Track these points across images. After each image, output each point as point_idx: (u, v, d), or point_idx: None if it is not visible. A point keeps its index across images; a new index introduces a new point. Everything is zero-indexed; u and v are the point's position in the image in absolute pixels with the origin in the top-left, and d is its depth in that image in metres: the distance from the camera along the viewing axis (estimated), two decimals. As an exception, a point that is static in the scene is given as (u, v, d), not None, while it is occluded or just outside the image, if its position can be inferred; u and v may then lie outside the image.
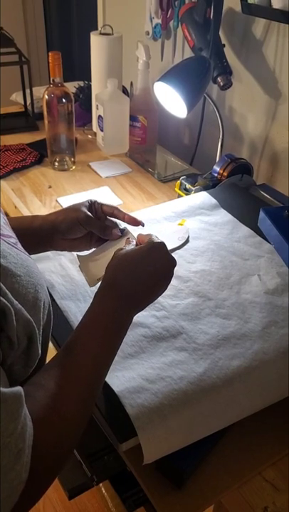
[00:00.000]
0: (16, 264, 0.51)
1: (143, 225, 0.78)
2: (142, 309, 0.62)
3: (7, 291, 0.46)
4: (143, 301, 0.62)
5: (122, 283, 0.60)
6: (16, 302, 0.47)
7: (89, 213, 0.75)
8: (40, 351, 0.53)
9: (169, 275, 0.63)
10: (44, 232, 0.75)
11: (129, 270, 0.60)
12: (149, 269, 0.61)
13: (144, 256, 0.61)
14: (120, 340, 0.59)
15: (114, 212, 0.78)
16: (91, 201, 0.78)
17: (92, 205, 0.77)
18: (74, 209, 0.76)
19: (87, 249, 0.79)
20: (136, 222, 0.77)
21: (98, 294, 0.60)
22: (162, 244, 0.63)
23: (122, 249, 0.64)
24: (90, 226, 0.75)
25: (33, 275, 0.53)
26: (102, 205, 0.78)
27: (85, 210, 0.75)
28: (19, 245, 0.57)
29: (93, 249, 0.79)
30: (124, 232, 0.78)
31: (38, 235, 0.75)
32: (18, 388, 0.44)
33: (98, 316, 0.58)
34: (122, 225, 0.79)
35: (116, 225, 0.78)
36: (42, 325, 0.54)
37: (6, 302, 0.45)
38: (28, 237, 0.72)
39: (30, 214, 1.19)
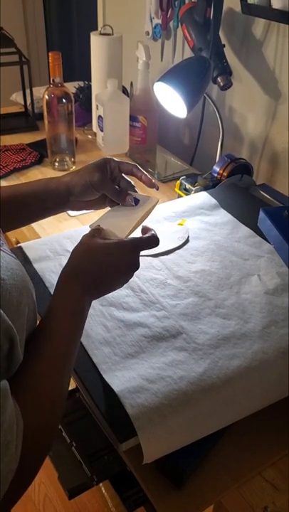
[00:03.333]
0: (0, 268, 0.50)
1: (157, 189, 0.79)
2: (95, 299, 0.64)
3: None
4: (99, 291, 0.64)
5: (85, 270, 0.62)
6: None
7: (102, 176, 0.75)
8: (21, 356, 0.52)
9: (128, 275, 0.65)
10: (60, 195, 0.76)
11: (94, 260, 0.62)
12: (112, 263, 0.62)
13: (111, 250, 0.63)
14: (82, 324, 0.61)
15: (133, 170, 0.78)
16: (106, 159, 0.77)
17: (108, 164, 0.77)
18: (88, 171, 0.76)
19: (103, 208, 0.80)
20: (151, 184, 0.78)
21: (61, 278, 0.62)
22: (132, 244, 0.64)
23: (93, 235, 0.65)
24: (104, 189, 0.76)
25: (18, 278, 0.53)
26: (119, 163, 0.77)
27: (98, 172, 0.75)
28: (4, 247, 0.57)
29: (108, 208, 0.79)
30: (138, 202, 0.76)
31: (54, 197, 0.76)
32: (3, 382, 0.45)
33: (62, 300, 0.60)
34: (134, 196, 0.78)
35: (131, 186, 0.78)
36: (26, 329, 0.54)
37: None
38: (43, 201, 0.75)
39: (30, 214, 1.19)
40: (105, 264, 0.62)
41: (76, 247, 0.64)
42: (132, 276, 0.65)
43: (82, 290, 0.61)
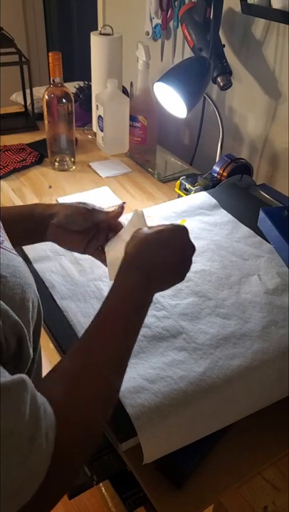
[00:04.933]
0: (1, 265, 0.51)
1: (124, 203, 0.77)
2: (162, 290, 0.63)
3: None
4: (163, 280, 0.62)
5: (144, 261, 0.60)
6: (1, 302, 0.47)
7: (95, 208, 0.75)
8: (31, 352, 0.52)
9: (188, 259, 0.63)
10: (43, 217, 0.74)
11: (151, 249, 0.60)
12: (169, 250, 0.61)
13: (165, 237, 0.61)
14: (142, 317, 0.59)
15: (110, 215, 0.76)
16: (98, 207, 0.77)
17: (99, 210, 0.76)
18: (78, 204, 0.75)
19: (80, 251, 0.77)
20: (119, 209, 0.77)
21: (119, 274, 0.60)
22: (184, 229, 0.63)
23: (140, 229, 0.63)
24: (93, 218, 0.74)
25: (20, 275, 0.53)
26: (107, 212, 0.76)
27: (89, 206, 0.75)
28: (5, 244, 0.56)
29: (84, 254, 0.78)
30: (134, 215, 0.75)
31: (37, 221, 0.74)
32: (19, 375, 0.44)
33: (121, 293, 0.58)
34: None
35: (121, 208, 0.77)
36: (32, 326, 0.54)
37: None
38: (27, 224, 0.73)
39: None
40: (162, 249, 0.61)
41: (127, 244, 0.62)
42: (191, 261, 0.63)
43: (141, 279, 0.59)
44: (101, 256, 0.77)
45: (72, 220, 0.74)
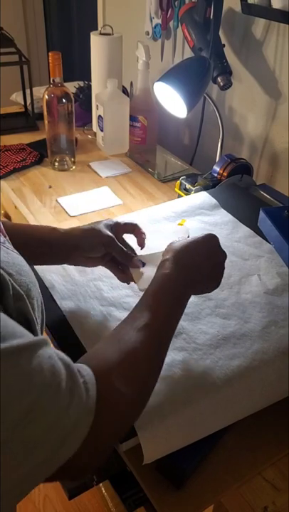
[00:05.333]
0: (7, 263, 0.51)
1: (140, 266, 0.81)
2: (200, 292, 0.69)
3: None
4: (201, 283, 0.67)
5: (182, 269, 0.65)
6: (19, 289, 0.49)
7: (112, 235, 0.77)
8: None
9: (220, 263, 0.68)
10: (64, 247, 0.77)
11: (189, 255, 0.66)
12: (204, 255, 0.67)
13: (200, 244, 0.68)
14: (179, 316, 0.64)
15: (135, 228, 0.81)
16: (114, 222, 0.80)
17: (115, 227, 0.79)
18: (97, 230, 0.77)
19: (101, 265, 0.81)
20: (141, 245, 0.82)
21: (160, 268, 0.65)
22: (215, 236, 0.70)
23: (174, 242, 0.70)
24: (112, 249, 0.77)
25: (25, 273, 0.53)
26: (124, 224, 0.80)
27: (108, 232, 0.77)
28: (8, 244, 0.57)
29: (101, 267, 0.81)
30: (144, 264, 0.79)
31: (57, 248, 0.77)
32: (42, 336, 0.46)
33: (161, 284, 0.63)
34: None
35: (134, 253, 0.81)
36: (38, 324, 0.55)
37: (2, 273, 0.47)
38: (44, 248, 0.76)
39: (30, 214, 1.19)
40: (197, 255, 0.67)
41: (164, 254, 0.68)
42: (223, 267, 0.69)
43: (181, 286, 0.64)
44: (114, 268, 0.81)
45: (95, 249, 0.77)
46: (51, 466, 0.43)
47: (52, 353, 0.44)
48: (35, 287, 0.55)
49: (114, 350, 0.54)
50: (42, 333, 0.59)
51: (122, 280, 0.80)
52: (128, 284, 0.81)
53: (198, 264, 0.66)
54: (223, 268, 0.69)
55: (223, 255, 0.69)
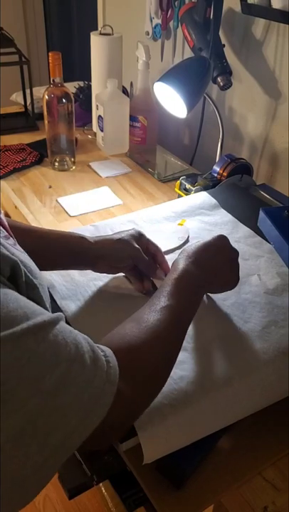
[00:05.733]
0: (19, 260, 0.52)
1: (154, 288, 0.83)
2: (219, 286, 0.75)
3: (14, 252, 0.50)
4: (218, 277, 0.72)
5: (199, 269, 0.68)
6: (36, 282, 0.52)
7: (139, 248, 0.79)
8: None
9: (234, 260, 0.73)
10: (90, 257, 0.78)
11: (201, 258, 0.70)
12: (218, 255, 0.71)
13: (212, 245, 0.72)
14: (196, 308, 0.67)
15: (158, 255, 0.82)
16: (140, 234, 0.81)
17: (141, 239, 0.81)
18: (126, 241, 0.78)
19: (119, 273, 0.83)
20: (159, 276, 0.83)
21: (177, 264, 0.69)
22: (224, 236, 0.74)
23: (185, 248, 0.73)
24: (139, 262, 0.79)
25: (35, 275, 0.54)
26: (148, 241, 0.82)
27: (135, 244, 0.79)
28: (18, 246, 0.58)
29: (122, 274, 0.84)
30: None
31: (83, 257, 0.79)
32: (58, 313, 0.48)
33: (181, 289, 0.65)
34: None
35: (159, 250, 0.83)
36: None
37: (15, 258, 0.48)
38: (68, 256, 0.78)
39: (30, 214, 1.19)
40: (213, 253, 0.71)
41: (178, 258, 0.71)
42: (237, 263, 0.74)
43: (197, 286, 0.68)
44: (134, 277, 0.82)
45: (123, 260, 0.79)
46: (80, 434, 0.45)
47: (71, 328, 0.47)
48: (44, 289, 0.56)
49: (134, 329, 0.56)
50: None
51: (139, 290, 0.81)
52: (143, 293, 0.81)
53: (214, 265, 0.70)
54: (238, 264, 0.74)
55: (235, 253, 0.73)
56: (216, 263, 0.70)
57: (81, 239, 0.78)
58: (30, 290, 0.51)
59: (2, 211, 0.65)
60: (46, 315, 0.45)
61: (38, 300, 0.52)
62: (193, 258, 0.69)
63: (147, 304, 0.62)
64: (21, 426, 0.40)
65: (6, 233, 0.57)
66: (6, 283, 0.46)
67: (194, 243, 0.73)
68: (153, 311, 0.60)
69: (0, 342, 0.39)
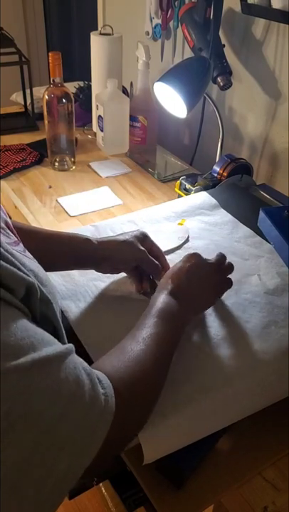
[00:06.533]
0: (32, 271, 0.51)
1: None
2: (201, 308, 0.74)
3: (31, 272, 0.49)
4: (197, 300, 0.72)
5: (180, 291, 0.69)
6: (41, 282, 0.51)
7: (144, 250, 0.79)
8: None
9: (210, 275, 0.73)
10: (94, 259, 0.79)
11: (181, 281, 0.70)
12: (194, 275, 0.71)
13: (183, 271, 0.72)
14: (180, 336, 0.66)
15: (160, 256, 0.82)
16: (144, 236, 0.81)
17: (145, 240, 0.81)
18: (130, 243, 0.78)
19: (121, 272, 0.83)
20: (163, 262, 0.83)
21: (157, 305, 0.67)
22: (195, 254, 0.74)
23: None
24: (145, 264, 0.79)
25: (46, 283, 0.54)
26: (152, 243, 0.82)
27: (140, 246, 0.79)
28: (27, 253, 0.57)
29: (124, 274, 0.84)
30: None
31: (86, 259, 0.79)
32: (69, 345, 0.47)
33: (164, 313, 0.64)
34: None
35: (162, 253, 0.84)
36: (63, 330, 0.56)
37: (31, 280, 0.47)
38: (71, 258, 0.78)
39: (30, 214, 1.19)
40: (189, 276, 0.71)
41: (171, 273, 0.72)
42: (216, 276, 0.74)
43: (181, 306, 0.67)
44: (136, 278, 0.82)
45: (127, 262, 0.79)
46: (75, 473, 0.44)
47: (77, 362, 0.46)
48: (54, 298, 0.55)
49: (122, 362, 0.55)
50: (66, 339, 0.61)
51: (139, 291, 0.81)
52: (141, 293, 0.81)
53: (191, 292, 0.70)
54: (215, 276, 0.74)
55: (211, 266, 0.73)
56: (192, 289, 0.70)
57: (86, 241, 0.78)
58: (44, 306, 0.51)
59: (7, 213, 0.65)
60: (53, 348, 0.44)
61: (51, 315, 0.52)
62: (171, 290, 0.68)
63: (134, 335, 0.61)
64: (17, 463, 0.39)
65: (16, 239, 0.57)
66: (18, 305, 0.45)
67: (169, 272, 0.72)
68: (137, 341, 0.59)
69: (6, 373, 0.38)
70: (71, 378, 0.44)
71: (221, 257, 0.77)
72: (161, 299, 0.67)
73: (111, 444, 0.47)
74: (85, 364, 0.48)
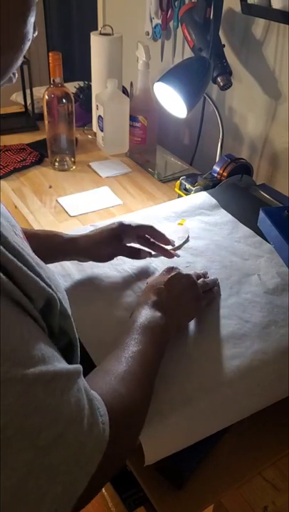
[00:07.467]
0: (49, 280, 0.50)
1: (173, 245, 0.87)
2: (182, 322, 0.73)
3: (52, 283, 0.48)
4: (180, 312, 0.72)
5: (162, 303, 0.69)
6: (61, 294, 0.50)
7: (118, 245, 0.83)
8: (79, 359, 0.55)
9: (190, 287, 0.74)
10: (71, 253, 0.83)
11: (162, 293, 0.71)
12: (174, 286, 0.72)
13: (164, 279, 0.73)
14: (164, 351, 0.66)
15: (150, 231, 0.85)
16: (123, 227, 0.83)
17: (124, 232, 0.83)
18: (104, 241, 0.82)
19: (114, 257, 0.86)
20: (167, 244, 0.87)
21: (139, 307, 0.69)
22: (171, 268, 0.75)
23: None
24: (120, 254, 0.83)
25: (59, 288, 0.53)
26: (136, 229, 0.83)
27: (115, 242, 0.82)
28: (34, 254, 0.57)
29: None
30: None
31: (58, 250, 0.82)
32: (77, 365, 0.46)
33: (147, 330, 0.64)
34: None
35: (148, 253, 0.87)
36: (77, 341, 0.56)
37: (52, 292, 0.46)
38: (55, 251, 0.81)
39: (30, 214, 1.19)
40: (175, 290, 0.72)
41: (139, 301, 0.72)
42: (196, 292, 0.74)
43: (163, 321, 0.67)
44: (128, 255, 0.85)
45: (104, 259, 0.84)
46: (70, 498, 0.43)
47: (80, 385, 0.45)
48: (64, 299, 0.54)
49: (110, 385, 0.55)
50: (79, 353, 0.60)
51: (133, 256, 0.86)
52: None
53: (173, 307, 0.70)
54: (195, 287, 0.74)
55: (188, 278, 0.74)
56: (174, 300, 0.71)
57: (55, 235, 0.82)
58: (63, 320, 0.50)
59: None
60: (62, 365, 0.43)
61: (68, 330, 0.51)
62: (154, 302, 0.69)
63: (118, 356, 0.61)
64: (12, 487, 0.37)
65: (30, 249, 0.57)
66: (35, 315, 0.44)
67: (149, 285, 0.74)
68: (123, 362, 0.59)
69: (12, 380, 0.37)
70: (73, 400, 0.43)
71: (201, 273, 0.81)
72: (144, 313, 0.67)
73: (100, 471, 0.46)
74: (88, 388, 0.47)
